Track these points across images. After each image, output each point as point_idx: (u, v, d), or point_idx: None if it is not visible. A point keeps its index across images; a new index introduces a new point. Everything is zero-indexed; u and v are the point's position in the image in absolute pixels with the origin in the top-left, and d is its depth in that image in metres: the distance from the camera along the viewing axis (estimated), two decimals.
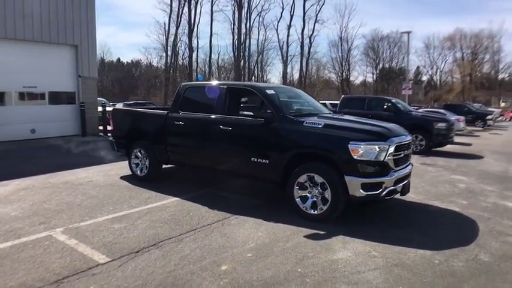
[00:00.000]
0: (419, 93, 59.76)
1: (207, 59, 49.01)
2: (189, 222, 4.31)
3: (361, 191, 4.06)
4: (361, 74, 63.05)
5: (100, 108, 14.04)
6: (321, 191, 4.30)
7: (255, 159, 4.78)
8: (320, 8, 47.37)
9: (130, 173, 6.66)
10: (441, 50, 59.86)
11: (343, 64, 59.98)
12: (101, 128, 13.99)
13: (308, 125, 4.48)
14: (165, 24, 45.60)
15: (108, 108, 15.66)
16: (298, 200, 4.46)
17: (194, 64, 45.73)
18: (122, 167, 7.43)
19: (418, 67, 63.36)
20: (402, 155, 4.40)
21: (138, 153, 6.39)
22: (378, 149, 4.07)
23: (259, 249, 3.57)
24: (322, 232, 3.99)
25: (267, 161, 4.68)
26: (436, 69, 62.28)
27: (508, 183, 6.58)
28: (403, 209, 5.03)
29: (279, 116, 4.70)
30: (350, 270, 3.11)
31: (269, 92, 5.01)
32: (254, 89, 5.11)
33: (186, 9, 41.75)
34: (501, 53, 55.43)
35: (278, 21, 49.49)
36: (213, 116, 5.29)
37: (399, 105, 11.94)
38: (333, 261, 3.28)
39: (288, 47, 50.10)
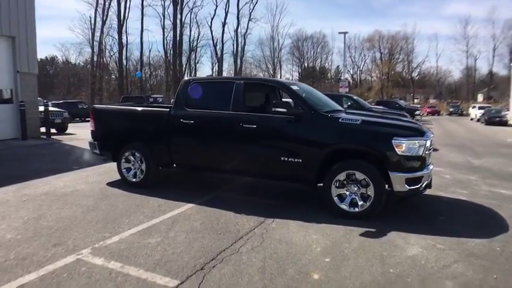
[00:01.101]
0: (339, 90, 64.03)
1: (138, 55, 46.52)
2: (228, 230, 3.92)
3: (405, 185, 4.11)
4: (288, 72, 65.17)
5: (41, 108, 12.29)
6: (360, 188, 4.26)
7: (286, 159, 4.54)
8: (253, 7, 48.26)
9: (115, 178, 5.96)
10: (361, 50, 65.04)
11: (275, 62, 61.93)
12: (43, 129, 12.27)
13: (345, 122, 4.39)
14: (90, 18, 42.06)
15: (52, 108, 13.86)
16: (336, 198, 4.37)
17: (124, 61, 42.90)
18: (99, 173, 6.62)
19: (338, 66, 67.18)
20: (432, 150, 4.57)
21: (130, 156, 5.67)
22: (418, 144, 4.15)
23: (330, 252, 3.37)
24: (373, 230, 3.93)
25: (300, 160, 4.48)
26: (357, 69, 67.46)
27: (481, 173, 7.29)
28: (417, 201, 5.22)
29: (311, 112, 4.53)
30: (437, 265, 3.10)
31: (294, 88, 4.81)
32: (279, 85, 4.86)
33: (113, 3, 39.00)
34: (414, 53, 62.08)
35: (212, 18, 48.82)
36: (232, 113, 4.89)
37: (361, 102, 12.60)
38: (413, 258, 3.24)
39: (223, 44, 50.04)
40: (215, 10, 49.82)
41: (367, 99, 43.46)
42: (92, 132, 6.08)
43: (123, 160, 5.73)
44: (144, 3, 40.84)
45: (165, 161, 5.50)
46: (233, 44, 50.21)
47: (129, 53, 46.44)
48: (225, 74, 54.30)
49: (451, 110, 46.52)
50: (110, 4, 40.23)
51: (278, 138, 4.68)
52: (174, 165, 5.49)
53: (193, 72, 57.50)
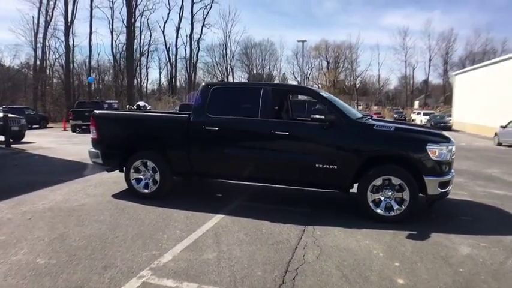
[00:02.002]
0: None
1: (81, 59, 43.78)
2: (277, 240, 3.79)
3: (438, 189, 4.32)
4: (237, 79, 65.37)
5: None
6: (395, 193, 4.40)
7: (320, 166, 4.53)
8: (207, 12, 47.90)
9: (115, 190, 5.64)
10: (308, 58, 67.44)
11: (228, 69, 62.08)
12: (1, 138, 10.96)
13: (380, 129, 4.51)
14: (33, 18, 38.66)
15: (11, 115, 12.43)
16: (371, 203, 4.45)
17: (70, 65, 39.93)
18: (94, 185, 6.14)
19: (283, 74, 68.20)
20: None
21: (141, 166, 5.28)
22: (446, 150, 4.40)
23: (393, 257, 3.40)
24: (414, 232, 4.06)
25: (335, 167, 4.50)
26: (304, 76, 69.91)
27: (465, 175, 7.89)
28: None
29: (344, 119, 4.60)
30: (495, 262, 3.30)
31: (325, 95, 4.85)
32: (310, 92, 4.85)
33: (59, 3, 36.31)
34: (357, 62, 65.89)
35: (165, 23, 47.64)
36: (263, 120, 4.77)
37: None
38: (470, 257, 3.40)
39: (177, 49, 49.02)
40: (168, 14, 48.65)
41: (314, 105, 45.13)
42: (94, 140, 5.55)
43: (132, 170, 5.31)
44: (92, 4, 38.62)
45: (184, 170, 5.20)
46: (185, 49, 49.51)
47: (81, 56, 43.68)
48: (178, 78, 53.33)
49: (395, 116, 50.00)
50: (55, 4, 37.30)
51: (312, 145, 4.66)
52: (194, 174, 5.22)
53: (145, 77, 55.57)
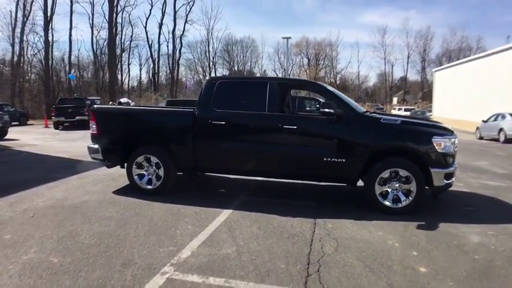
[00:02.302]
0: None
1: (65, 55, 42.30)
2: (292, 233, 3.77)
3: (444, 180, 4.42)
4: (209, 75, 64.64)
5: None
6: (402, 185, 4.47)
7: (328, 159, 4.55)
8: (190, 9, 47.18)
9: (114, 187, 5.53)
10: (289, 55, 67.35)
11: (210, 66, 61.50)
12: None
13: (387, 122, 4.56)
14: (11, 12, 37.08)
15: None
16: (379, 196, 4.51)
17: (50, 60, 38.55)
18: (92, 182, 6.02)
19: (264, 71, 67.23)
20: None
21: (144, 162, 5.15)
22: (451, 142, 4.50)
23: (410, 246, 3.44)
24: (423, 223, 4.12)
25: (344, 160, 4.53)
26: (285, 73, 69.63)
27: (458, 167, 8.15)
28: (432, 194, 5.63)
29: (353, 113, 4.63)
30: (506, 249, 3.39)
31: (331, 89, 4.86)
32: (316, 86, 4.85)
33: None
34: (338, 59, 66.33)
35: (147, 18, 46.64)
36: (271, 114, 4.74)
37: None
38: (482, 245, 3.49)
39: (159, 45, 48.14)
40: (150, 10, 47.66)
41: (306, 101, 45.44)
42: (93, 135, 5.37)
43: (135, 166, 5.18)
44: None
45: (188, 165, 5.11)
46: (167, 46, 48.70)
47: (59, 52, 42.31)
48: (160, 75, 52.50)
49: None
50: None
51: (320, 139, 4.67)
52: (198, 169, 5.14)
53: (127, 73, 54.36)
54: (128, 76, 56.87)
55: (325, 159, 4.57)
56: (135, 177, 5.20)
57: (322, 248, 3.42)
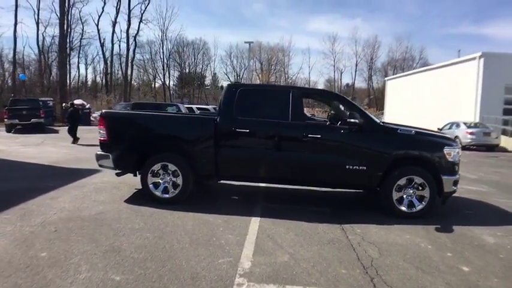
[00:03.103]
0: (219, 98, 63.53)
1: (7, 51, 38.79)
2: (329, 240, 3.93)
3: (452, 187, 4.87)
4: (168, 77, 62.58)
5: None
6: (416, 191, 4.83)
7: (351, 167, 4.79)
8: (145, 8, 45.72)
9: (119, 196, 5.36)
10: (241, 59, 66.05)
11: (164, 68, 59.95)
12: None
13: (403, 133, 4.92)
14: None
15: None
16: (395, 201, 4.84)
17: None
18: (95, 191, 5.76)
19: (214, 74, 66.41)
20: None
21: (161, 170, 5.01)
22: (457, 152, 4.99)
23: (440, 248, 3.77)
24: (438, 226, 4.50)
25: (365, 168, 4.80)
26: (237, 77, 68.92)
27: None
28: None
29: (372, 123, 4.92)
30: None
31: (349, 98, 5.12)
32: (336, 96, 5.08)
33: None
34: (290, 65, 67.34)
35: (99, 16, 44.37)
36: (296, 123, 4.86)
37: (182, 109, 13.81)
38: (500, 245, 3.92)
39: (113, 45, 46.04)
40: (103, 8, 45.31)
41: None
42: (103, 142, 5.09)
43: (150, 174, 5.01)
44: None
45: (209, 173, 5.05)
46: (119, 45, 46.60)
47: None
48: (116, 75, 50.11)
49: None
50: None
51: (343, 147, 4.87)
52: (219, 177, 5.10)
53: (76, 72, 51.04)
54: (77, 76, 53.46)
55: (347, 166, 4.80)
56: (150, 185, 5.03)
57: (367, 253, 3.61)
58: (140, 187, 5.91)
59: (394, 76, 37.24)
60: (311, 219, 4.57)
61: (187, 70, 63.37)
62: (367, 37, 77.71)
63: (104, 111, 5.19)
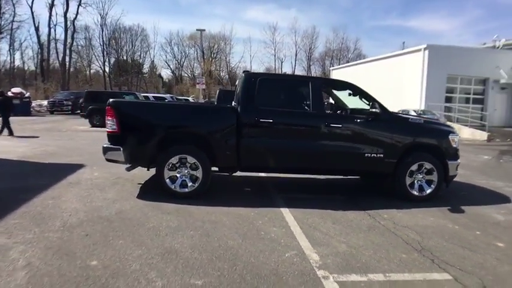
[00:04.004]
0: (158, 87, 59.82)
1: None
2: (369, 226, 4.05)
3: (456, 170, 5.30)
4: (104, 65, 58.25)
5: None
6: (425, 176, 5.17)
7: (369, 155, 4.96)
8: None
9: (124, 192, 5.02)
10: (182, 47, 63.38)
11: (104, 55, 55.74)
12: None
13: (414, 122, 5.20)
14: None
15: None
16: (408, 186, 5.13)
17: None
18: (95, 188, 5.31)
19: (152, 61, 63.73)
20: None
21: (178, 163, 4.71)
22: (458, 139, 5.42)
23: (468, 228, 4.11)
24: (449, 207, 4.88)
25: (382, 155, 5.00)
26: (178, 65, 64.99)
27: None
28: None
29: (387, 113, 5.11)
30: None
31: (365, 90, 5.23)
32: (352, 87, 5.16)
33: None
34: (231, 54, 66.59)
35: None
36: (318, 112, 4.85)
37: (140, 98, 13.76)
38: (510, 222, 4.43)
39: (49, 29, 41.61)
40: None
41: (191, 95, 44.91)
42: (112, 134, 4.61)
43: (167, 167, 4.68)
44: None
45: (230, 165, 4.87)
46: (54, 30, 42.25)
47: None
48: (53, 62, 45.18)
49: None
50: None
51: (363, 136, 4.99)
52: (239, 168, 4.94)
53: (8, 57, 45.00)
54: (11, 62, 47.12)
55: (366, 155, 4.97)
56: (167, 180, 4.71)
57: (409, 236, 3.80)
58: (141, 181, 5.59)
59: (340, 66, 38.95)
60: (335, 207, 4.67)
61: (124, 57, 59.59)
62: (306, 28, 79.33)
63: (112, 100, 4.66)
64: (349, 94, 5.36)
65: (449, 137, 5.21)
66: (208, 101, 34.29)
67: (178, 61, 64.80)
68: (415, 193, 5.14)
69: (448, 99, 20.04)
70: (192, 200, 4.65)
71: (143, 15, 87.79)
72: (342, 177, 6.23)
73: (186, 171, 4.76)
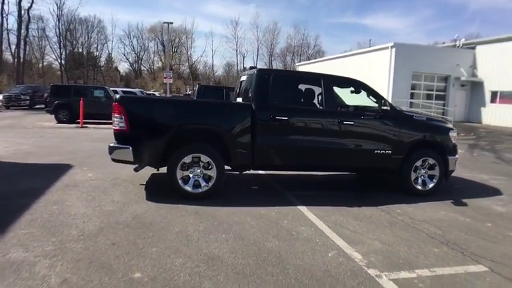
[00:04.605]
0: (116, 81, 58.10)
1: None
2: (389, 222, 4.14)
3: (455, 165, 5.57)
4: (57, 59, 54.78)
5: None
6: (428, 171, 5.37)
7: (379, 151, 5.06)
8: None
9: (137, 193, 4.76)
10: (142, 40, 61.73)
11: (61, 46, 52.30)
12: None
13: (419, 119, 5.37)
14: None
15: None
16: (413, 181, 5.31)
17: None
18: (97, 190, 4.88)
19: (109, 54, 61.81)
20: None
21: (191, 162, 4.50)
22: (456, 135, 5.68)
23: (476, 220, 4.33)
24: (452, 200, 5.11)
25: (390, 152, 5.12)
26: (137, 58, 63.29)
27: None
28: None
29: (394, 110, 5.22)
30: None
31: (372, 88, 5.30)
32: (360, 84, 5.21)
33: None
34: (193, 48, 64.77)
35: None
36: (332, 110, 4.84)
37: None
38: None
39: (2, 18, 38.15)
40: None
41: (152, 89, 43.64)
42: (121, 132, 4.29)
43: (179, 167, 4.46)
44: None
45: (244, 163, 4.73)
46: (6, 20, 38.78)
47: None
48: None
49: None
50: None
51: (372, 133, 5.07)
52: (253, 167, 4.82)
53: None
54: None
55: (376, 151, 5.07)
56: (179, 181, 4.49)
57: (430, 230, 3.93)
58: (142, 182, 5.30)
59: (306, 62, 39.49)
60: (348, 204, 4.73)
61: (80, 49, 56.30)
62: (267, 23, 79.64)
63: (119, 96, 4.31)
64: (352, 91, 5.43)
65: (450, 133, 5.46)
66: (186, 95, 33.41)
67: (137, 54, 62.50)
68: (419, 187, 5.34)
69: (413, 96, 21.10)
70: (205, 201, 4.47)
71: (101, 7, 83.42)
72: (340, 173, 6.36)
73: (198, 170, 4.56)
